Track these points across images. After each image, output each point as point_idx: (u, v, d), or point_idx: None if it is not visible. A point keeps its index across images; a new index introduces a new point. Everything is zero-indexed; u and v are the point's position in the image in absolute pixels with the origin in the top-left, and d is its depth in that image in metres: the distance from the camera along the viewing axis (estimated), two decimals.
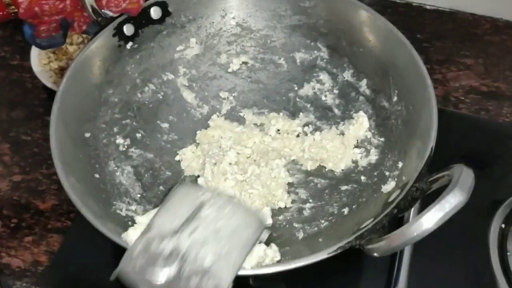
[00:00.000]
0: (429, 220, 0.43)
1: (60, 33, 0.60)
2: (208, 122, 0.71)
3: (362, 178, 0.63)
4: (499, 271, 0.59)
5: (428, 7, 0.88)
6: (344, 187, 0.63)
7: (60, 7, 0.56)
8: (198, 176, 0.65)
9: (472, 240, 0.61)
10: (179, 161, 0.67)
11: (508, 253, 0.60)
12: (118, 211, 0.57)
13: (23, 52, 0.82)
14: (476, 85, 0.79)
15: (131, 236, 0.50)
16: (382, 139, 0.64)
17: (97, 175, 0.58)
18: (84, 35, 0.78)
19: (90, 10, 0.60)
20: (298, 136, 0.69)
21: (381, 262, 0.60)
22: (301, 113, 0.71)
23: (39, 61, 0.78)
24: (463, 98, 0.77)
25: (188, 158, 0.67)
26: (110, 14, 0.62)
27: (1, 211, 0.67)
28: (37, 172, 0.71)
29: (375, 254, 0.47)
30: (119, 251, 0.48)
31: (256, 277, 0.51)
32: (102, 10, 0.61)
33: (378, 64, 0.64)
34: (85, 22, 0.61)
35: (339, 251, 0.47)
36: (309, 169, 0.66)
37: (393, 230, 0.46)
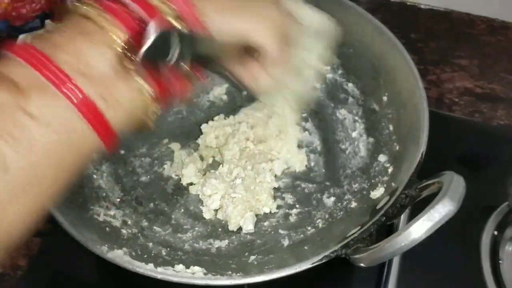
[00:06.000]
0: (418, 230, 0.42)
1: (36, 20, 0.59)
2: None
3: (351, 183, 0.61)
4: (491, 280, 0.57)
5: (422, 6, 0.87)
6: (331, 192, 0.62)
7: (37, 8, 0.55)
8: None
9: (463, 247, 0.60)
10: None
11: (500, 262, 0.58)
12: (95, 216, 0.55)
13: None
14: (471, 87, 0.77)
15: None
16: (372, 143, 0.62)
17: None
18: None
19: None
20: (284, 136, 0.66)
21: (369, 269, 0.58)
22: None
23: None
24: (457, 100, 0.76)
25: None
26: None
27: None
28: None
29: (362, 264, 0.45)
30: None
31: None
32: None
33: (368, 65, 0.62)
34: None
35: (324, 261, 0.46)
36: (297, 171, 0.64)
37: (381, 239, 0.44)
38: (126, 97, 0.35)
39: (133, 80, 0.35)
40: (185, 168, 0.64)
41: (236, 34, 0.40)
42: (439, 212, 0.42)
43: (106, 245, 0.49)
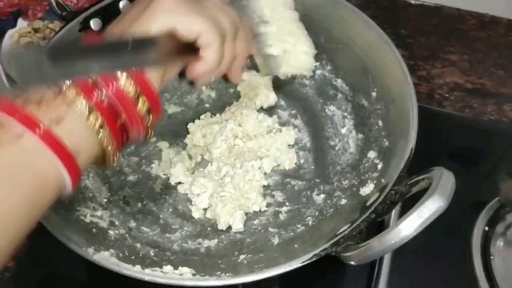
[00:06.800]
0: (408, 227, 0.41)
1: (10, 18, 0.57)
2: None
3: (340, 179, 0.61)
4: (482, 276, 0.57)
5: (412, 1, 0.87)
6: (321, 189, 0.61)
7: (15, 2, 0.54)
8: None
9: (454, 243, 0.60)
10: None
11: (491, 257, 0.58)
12: (82, 218, 0.54)
13: None
14: (461, 82, 0.77)
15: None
16: (361, 139, 0.62)
17: None
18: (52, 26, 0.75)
19: (54, 4, 0.58)
20: (275, 134, 0.66)
21: (360, 266, 0.57)
22: (278, 111, 0.69)
23: None
24: (447, 95, 0.76)
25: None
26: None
27: None
28: None
29: (352, 262, 0.45)
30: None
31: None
32: (66, 3, 0.59)
33: (357, 61, 0.62)
34: (41, 10, 0.59)
35: (313, 259, 0.45)
36: (287, 168, 0.64)
37: (372, 235, 0.44)
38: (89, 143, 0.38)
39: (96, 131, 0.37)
40: (173, 167, 0.63)
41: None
42: (428, 209, 0.41)
43: (93, 247, 0.48)
